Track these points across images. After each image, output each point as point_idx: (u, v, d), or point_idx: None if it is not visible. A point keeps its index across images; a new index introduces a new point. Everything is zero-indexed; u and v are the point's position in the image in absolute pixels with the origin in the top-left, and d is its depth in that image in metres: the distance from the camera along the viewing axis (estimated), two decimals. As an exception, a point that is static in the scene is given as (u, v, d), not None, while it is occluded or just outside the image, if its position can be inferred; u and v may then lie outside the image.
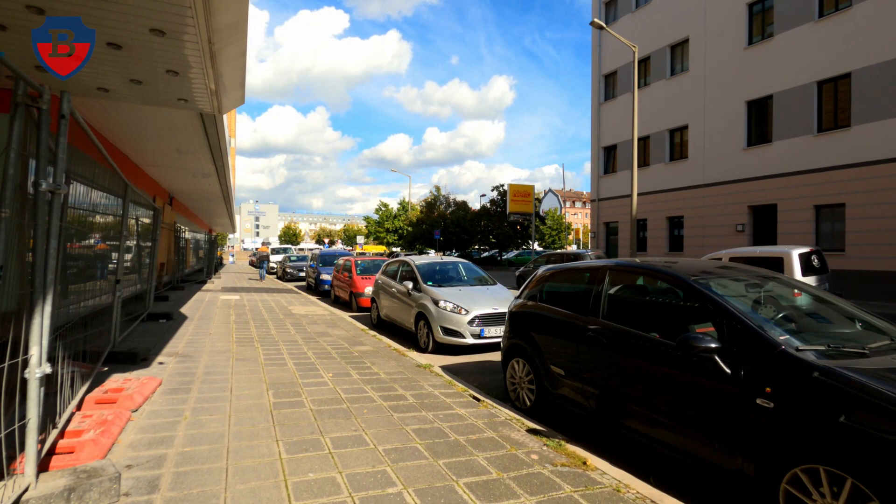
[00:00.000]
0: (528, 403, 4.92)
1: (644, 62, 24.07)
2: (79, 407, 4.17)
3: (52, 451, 3.20)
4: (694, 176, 21.77)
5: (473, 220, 44.45)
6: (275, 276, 29.87)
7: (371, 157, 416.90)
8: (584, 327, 4.23)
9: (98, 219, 5.32)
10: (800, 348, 2.82)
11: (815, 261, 10.16)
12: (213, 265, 27.43)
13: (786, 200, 18.08)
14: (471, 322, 7.70)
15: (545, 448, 3.79)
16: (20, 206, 2.79)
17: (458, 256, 33.86)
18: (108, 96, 6.89)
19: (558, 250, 35.45)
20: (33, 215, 2.73)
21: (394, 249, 51.69)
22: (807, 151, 17.52)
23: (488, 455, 3.63)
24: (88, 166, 4.48)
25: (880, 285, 14.91)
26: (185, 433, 3.91)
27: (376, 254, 33.58)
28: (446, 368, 6.66)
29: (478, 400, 5.00)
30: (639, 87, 19.22)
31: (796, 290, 4.02)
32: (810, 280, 9.61)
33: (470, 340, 7.66)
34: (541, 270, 5.42)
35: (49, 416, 3.28)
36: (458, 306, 7.87)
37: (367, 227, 64.38)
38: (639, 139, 18.83)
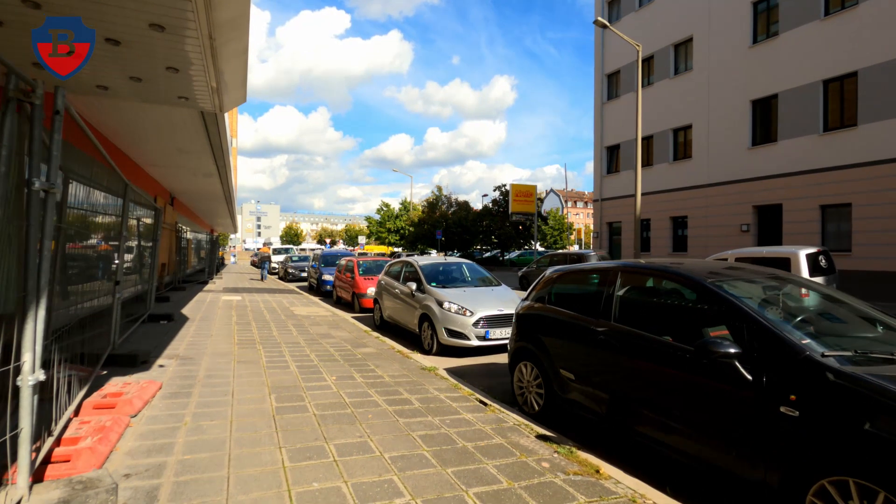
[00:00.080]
0: (537, 408, 4.80)
1: (647, 61, 23.91)
2: (76, 412, 4.06)
3: (47, 460, 3.09)
4: (698, 176, 21.62)
5: (475, 220, 44.34)
6: (276, 276, 29.81)
7: (372, 158, 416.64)
8: (595, 330, 4.12)
9: (97, 219, 5.22)
10: (825, 354, 2.71)
11: (823, 261, 10.02)
12: (214, 265, 27.35)
13: (791, 200, 17.92)
14: (476, 324, 7.58)
15: (556, 455, 3.67)
16: (15, 206, 2.69)
17: (460, 256, 33.82)
18: (108, 94, 6.78)
19: (561, 250, 35.32)
20: (26, 215, 2.63)
21: (395, 250, 51.57)
22: (812, 151, 17.36)
23: (498, 463, 3.51)
24: (86, 165, 4.37)
25: (888, 286, 14.74)
26: (186, 440, 3.80)
27: (378, 254, 33.45)
28: (451, 371, 6.55)
29: (485, 404, 4.88)
30: (642, 86, 19.04)
31: (804, 291, 3.90)
32: (818, 281, 9.48)
33: (475, 342, 7.54)
34: (549, 272, 5.31)
35: (44, 423, 3.17)
36: (462, 308, 7.75)
37: (368, 227, 64.28)
38: (642, 139, 18.65)
